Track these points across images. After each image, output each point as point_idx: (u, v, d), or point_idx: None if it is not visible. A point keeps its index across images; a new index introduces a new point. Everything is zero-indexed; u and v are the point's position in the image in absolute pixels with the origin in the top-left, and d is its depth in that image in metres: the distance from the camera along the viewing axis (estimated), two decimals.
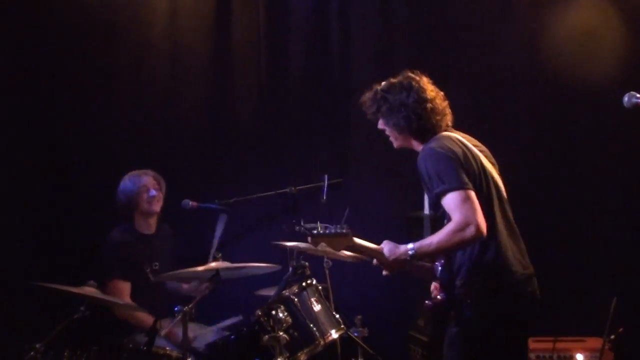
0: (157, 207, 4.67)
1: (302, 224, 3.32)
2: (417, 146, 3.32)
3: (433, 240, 3.09)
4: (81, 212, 5.03)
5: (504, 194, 3.26)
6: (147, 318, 4.34)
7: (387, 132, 3.43)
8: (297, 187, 4.71)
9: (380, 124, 3.42)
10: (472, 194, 3.02)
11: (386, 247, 3.22)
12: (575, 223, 5.27)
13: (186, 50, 5.46)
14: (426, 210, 3.55)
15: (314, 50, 5.62)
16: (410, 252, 3.13)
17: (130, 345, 4.08)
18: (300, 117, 5.60)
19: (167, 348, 4.08)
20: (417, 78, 3.34)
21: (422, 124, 3.27)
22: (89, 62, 5.21)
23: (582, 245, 5.14)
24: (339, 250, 3.41)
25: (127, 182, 4.65)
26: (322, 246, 3.25)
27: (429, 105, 3.27)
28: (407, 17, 5.57)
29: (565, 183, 5.34)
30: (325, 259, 4.41)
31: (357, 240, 3.26)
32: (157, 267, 4.58)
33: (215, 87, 5.53)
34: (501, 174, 3.32)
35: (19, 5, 4.99)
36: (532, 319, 3.20)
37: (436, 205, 3.15)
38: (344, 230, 3.22)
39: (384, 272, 3.29)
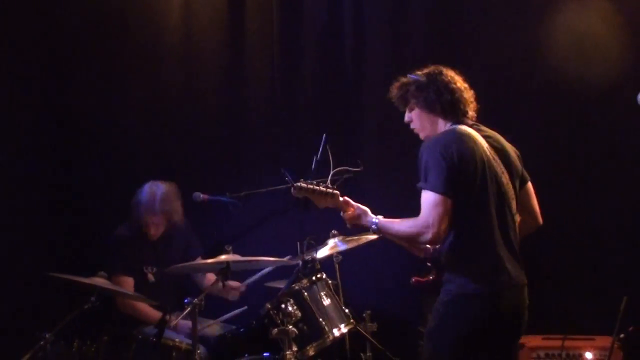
0: (158, 233, 4.64)
1: (287, 175, 3.45)
2: (442, 129, 3.34)
3: (394, 225, 3.26)
4: (95, 206, 5.07)
5: (511, 201, 3.23)
6: (152, 312, 4.43)
7: (413, 125, 3.43)
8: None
9: (407, 116, 3.42)
10: (448, 202, 3.02)
11: (359, 210, 3.37)
12: (586, 222, 5.26)
13: (200, 47, 5.49)
14: None
15: (327, 48, 5.58)
16: (372, 227, 3.30)
17: (140, 337, 4.13)
18: (313, 112, 5.61)
19: (177, 339, 4.14)
20: (445, 68, 3.40)
21: (452, 100, 3.30)
22: (103, 58, 5.25)
23: (593, 244, 5.12)
24: (323, 207, 3.46)
25: (143, 199, 4.58)
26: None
27: (457, 86, 3.34)
28: (422, 18, 5.56)
29: (575, 182, 5.33)
30: (336, 254, 4.47)
31: (345, 199, 3.42)
32: (154, 272, 4.61)
33: (229, 83, 5.57)
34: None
35: (30, 4, 5.02)
36: (495, 332, 3.13)
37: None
38: (331, 191, 3.37)
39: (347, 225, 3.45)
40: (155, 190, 4.59)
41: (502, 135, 3.46)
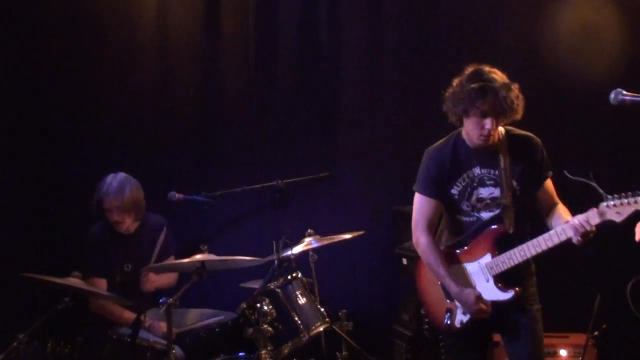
0: (122, 229, 4.63)
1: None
2: None
3: None
4: (69, 205, 5.07)
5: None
6: (124, 314, 4.45)
7: (493, 131, 3.43)
8: (285, 180, 4.86)
9: (496, 123, 3.42)
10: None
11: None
12: None
13: (175, 44, 5.50)
14: None
15: (303, 46, 5.62)
16: None
17: (114, 337, 4.12)
18: (288, 111, 5.65)
19: (151, 340, 4.14)
20: None
21: None
22: (79, 55, 5.25)
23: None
24: None
25: (99, 185, 4.59)
26: None
27: None
28: (397, 14, 5.61)
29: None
30: (311, 253, 4.54)
31: None
32: (128, 269, 4.60)
33: (204, 83, 5.57)
34: None
35: (7, 3, 5.03)
36: None
37: None
38: None
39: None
40: (113, 177, 4.59)
41: None
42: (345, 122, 5.65)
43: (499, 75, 3.38)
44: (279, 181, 4.84)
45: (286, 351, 4.09)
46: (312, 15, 5.64)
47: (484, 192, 3.51)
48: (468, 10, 5.53)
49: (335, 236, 4.57)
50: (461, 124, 3.53)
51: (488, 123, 3.34)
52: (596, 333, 4.42)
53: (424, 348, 4.95)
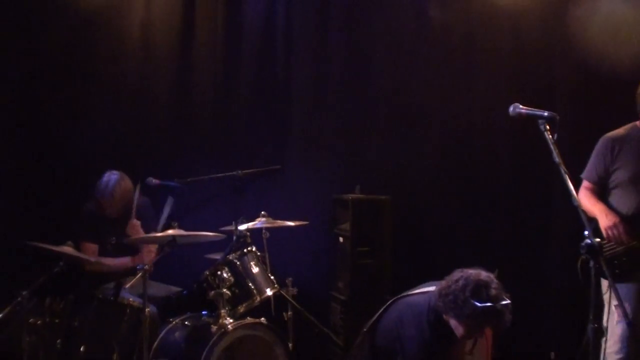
0: (111, 215, 4.90)
1: None
2: None
3: None
4: (63, 185, 5.28)
5: None
6: (115, 262, 4.87)
7: None
8: (244, 171, 5.11)
9: None
10: None
11: None
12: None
13: (154, 54, 5.65)
14: None
15: (262, 55, 5.85)
16: None
17: (100, 296, 4.38)
18: (247, 113, 5.84)
19: (131, 299, 4.40)
20: None
21: None
22: (71, 62, 5.40)
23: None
24: None
25: (99, 185, 4.85)
26: None
27: None
28: (342, 21, 5.83)
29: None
30: (264, 231, 4.81)
31: None
32: (113, 242, 4.90)
33: (179, 87, 5.74)
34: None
35: None
36: None
37: None
38: None
39: None
40: (109, 178, 4.87)
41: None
42: (295, 124, 5.90)
43: None
44: (239, 171, 5.07)
45: (241, 310, 4.43)
46: (271, 35, 5.84)
47: None
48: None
49: (281, 221, 4.83)
50: None
51: None
52: None
53: (356, 309, 5.25)
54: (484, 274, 3.32)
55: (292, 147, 5.92)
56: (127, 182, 4.95)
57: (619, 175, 4.16)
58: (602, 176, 4.21)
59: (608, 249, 4.03)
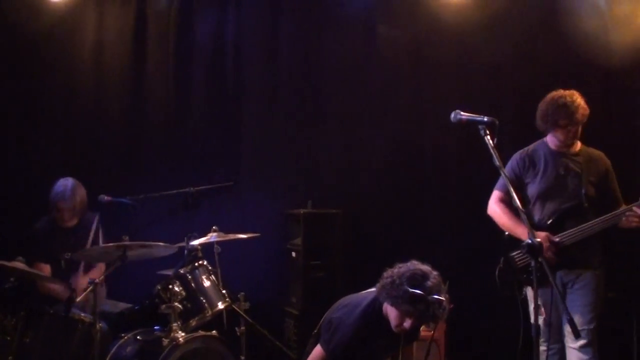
0: (66, 224, 4.97)
1: None
2: None
3: None
4: (15, 202, 5.36)
5: None
6: (63, 291, 4.78)
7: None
8: (196, 188, 5.16)
9: None
10: None
11: None
12: None
13: (109, 73, 5.80)
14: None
15: (214, 73, 6.01)
16: None
17: (52, 311, 4.37)
18: (199, 131, 5.98)
19: (82, 314, 4.42)
20: None
21: None
22: (17, 81, 5.59)
23: None
24: None
25: (56, 190, 4.92)
26: None
27: None
28: (292, 39, 6.01)
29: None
30: (216, 246, 4.87)
31: None
32: (68, 257, 4.90)
33: (132, 103, 5.87)
34: None
35: None
36: None
37: None
38: None
39: None
40: (66, 183, 4.95)
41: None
42: (247, 141, 6.04)
43: None
44: (191, 188, 5.12)
45: (193, 324, 4.45)
46: (220, 54, 6.00)
47: None
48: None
49: (233, 235, 4.85)
50: None
51: None
52: None
53: (309, 323, 4.81)
54: (427, 268, 3.38)
55: (244, 163, 6.02)
56: (83, 188, 5.01)
57: (532, 190, 4.44)
58: (514, 186, 4.26)
59: (519, 259, 4.35)
